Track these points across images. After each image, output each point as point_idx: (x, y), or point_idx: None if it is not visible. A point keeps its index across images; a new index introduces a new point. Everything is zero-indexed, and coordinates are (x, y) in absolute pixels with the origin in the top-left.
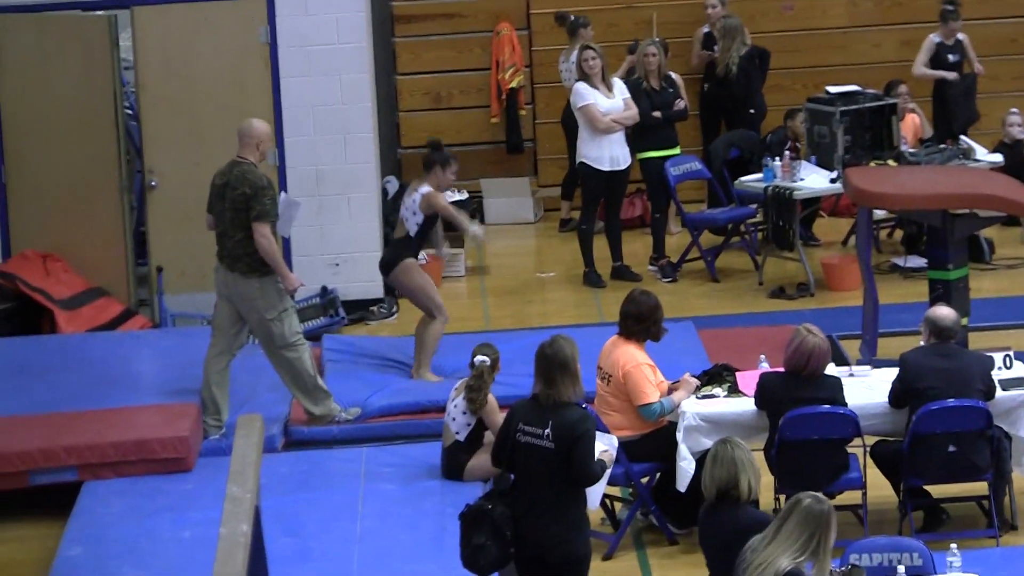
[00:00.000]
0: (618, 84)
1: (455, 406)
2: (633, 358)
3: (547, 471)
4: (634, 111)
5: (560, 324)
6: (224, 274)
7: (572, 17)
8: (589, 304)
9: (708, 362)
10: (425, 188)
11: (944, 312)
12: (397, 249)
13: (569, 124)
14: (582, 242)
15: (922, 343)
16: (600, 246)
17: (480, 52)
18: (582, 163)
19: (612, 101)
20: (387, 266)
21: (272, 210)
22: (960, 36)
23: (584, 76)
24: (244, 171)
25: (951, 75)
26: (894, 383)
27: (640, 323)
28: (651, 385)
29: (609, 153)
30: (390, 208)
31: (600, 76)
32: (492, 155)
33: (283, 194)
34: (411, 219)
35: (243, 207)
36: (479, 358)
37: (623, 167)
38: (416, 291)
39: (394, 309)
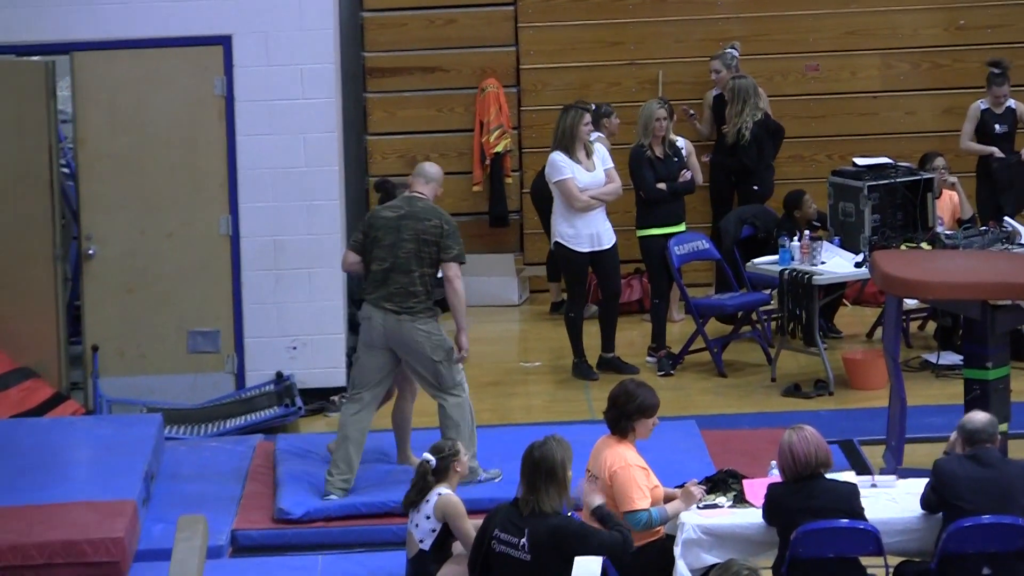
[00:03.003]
0: (599, 151)
1: (417, 511)
2: (623, 458)
3: None
4: (617, 184)
5: (546, 421)
6: (384, 319)
7: (593, 105)
8: (579, 399)
9: (712, 467)
10: None
11: (976, 415)
12: None
13: (539, 196)
14: (570, 330)
15: (945, 451)
16: (593, 333)
17: (462, 111)
18: (558, 243)
19: (592, 174)
20: None
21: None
22: (1012, 104)
23: (563, 144)
24: (431, 205)
25: (999, 152)
26: (927, 489)
27: (610, 411)
28: (640, 490)
29: (588, 231)
30: (356, 286)
31: (583, 143)
32: (473, 228)
33: None
34: None
35: (433, 241)
36: (426, 455)
37: (607, 246)
38: None
39: None
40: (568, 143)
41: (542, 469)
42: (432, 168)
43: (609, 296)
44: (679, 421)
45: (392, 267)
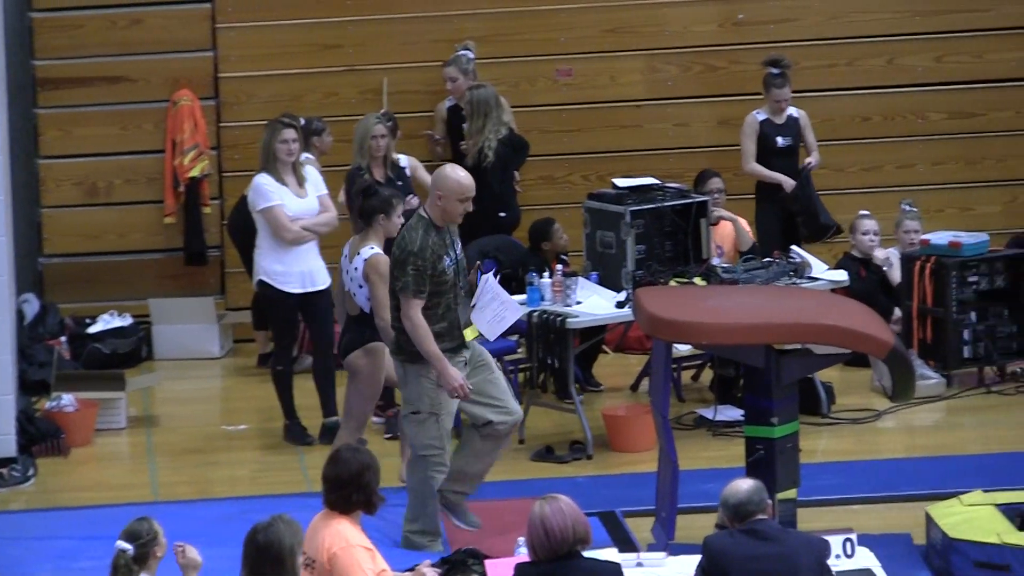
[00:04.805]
0: (311, 175)
1: None
2: (343, 538)
3: None
4: (332, 214)
5: (254, 494)
6: None
7: (303, 120)
8: (292, 467)
9: (448, 546)
10: (369, 249)
11: (738, 486)
12: (361, 327)
13: (238, 228)
14: (278, 387)
15: (717, 525)
16: (308, 389)
17: (151, 129)
18: (262, 282)
19: (304, 201)
20: (348, 347)
21: (415, 284)
22: (795, 112)
23: (267, 165)
24: (408, 226)
25: (789, 182)
26: (697, 573)
27: (341, 490)
28: (364, 573)
29: (299, 268)
30: (27, 338)
31: (292, 166)
32: (165, 266)
33: (486, 276)
34: (359, 293)
35: (392, 272)
36: (120, 544)
37: (321, 287)
38: (374, 382)
39: (31, 472)
40: (271, 164)
41: (268, 557)
42: (440, 173)
43: (323, 347)
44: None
45: None
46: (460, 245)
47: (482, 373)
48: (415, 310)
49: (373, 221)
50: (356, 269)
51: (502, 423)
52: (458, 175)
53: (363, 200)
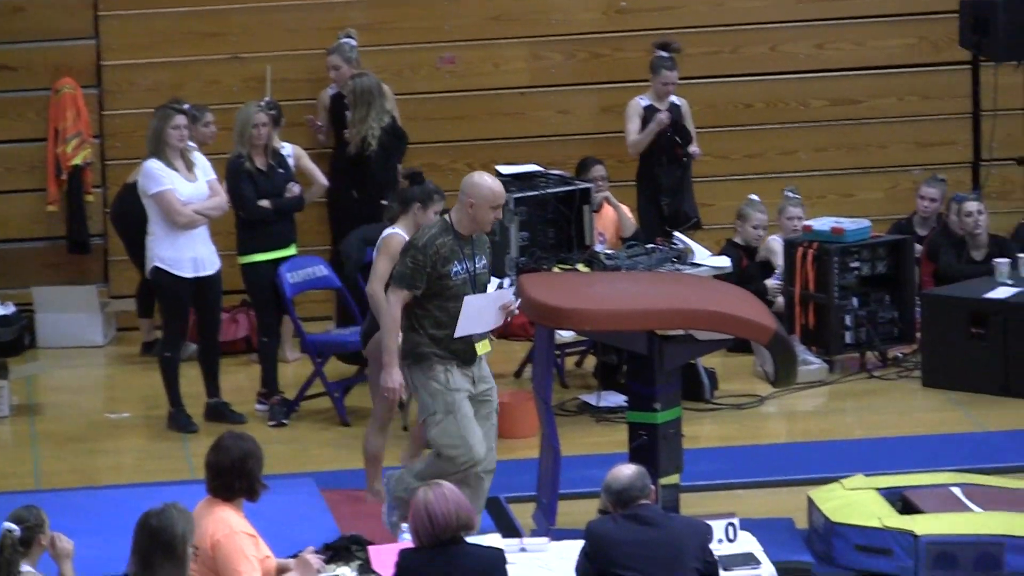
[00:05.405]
0: (200, 161)
1: None
2: (227, 525)
3: None
4: (222, 198)
5: (138, 482)
6: None
7: (187, 107)
8: (176, 455)
9: (336, 532)
10: (391, 229)
11: (621, 471)
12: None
13: (123, 218)
14: (165, 374)
15: (599, 510)
16: (192, 377)
17: (33, 117)
18: (156, 268)
19: (195, 185)
20: (369, 332)
21: (410, 277)
22: (677, 100)
23: (156, 150)
24: (425, 225)
25: (664, 115)
26: (580, 556)
27: (223, 477)
28: (248, 560)
29: (191, 254)
30: None
31: (180, 152)
32: (48, 255)
33: (511, 287)
34: None
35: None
36: (8, 525)
37: (212, 271)
38: None
39: None
40: (159, 149)
41: (159, 542)
42: (470, 181)
43: (210, 331)
44: (295, 479)
45: None
46: (485, 260)
47: (479, 408)
48: (396, 298)
49: (409, 208)
50: (375, 249)
51: (465, 461)
52: (488, 182)
53: (407, 186)
